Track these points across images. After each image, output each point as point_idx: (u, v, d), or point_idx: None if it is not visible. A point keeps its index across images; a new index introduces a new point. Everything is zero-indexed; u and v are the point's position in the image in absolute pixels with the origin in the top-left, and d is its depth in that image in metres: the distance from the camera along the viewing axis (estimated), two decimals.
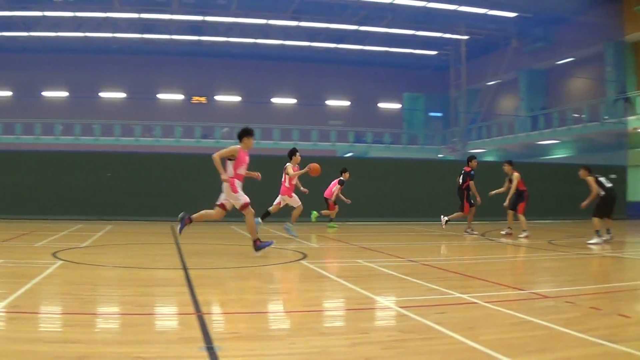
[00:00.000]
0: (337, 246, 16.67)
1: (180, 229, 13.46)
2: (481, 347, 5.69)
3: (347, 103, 60.66)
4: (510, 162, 20.55)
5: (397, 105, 62.26)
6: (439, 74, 57.33)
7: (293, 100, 59.36)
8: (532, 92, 52.45)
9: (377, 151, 53.24)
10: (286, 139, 52.66)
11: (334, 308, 8.26)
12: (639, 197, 35.24)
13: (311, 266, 11.55)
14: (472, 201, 21.03)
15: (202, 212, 13.51)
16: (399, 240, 19.04)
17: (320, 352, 5.60)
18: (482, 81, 53.28)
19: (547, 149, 48.77)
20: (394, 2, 42.22)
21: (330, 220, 23.45)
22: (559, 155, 47.78)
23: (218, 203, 13.34)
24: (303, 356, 5.47)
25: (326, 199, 23.20)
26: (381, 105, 61.98)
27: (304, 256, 13.05)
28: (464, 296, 8.50)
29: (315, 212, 22.82)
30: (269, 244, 13.25)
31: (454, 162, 37.53)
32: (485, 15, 45.05)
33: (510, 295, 8.90)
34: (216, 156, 12.96)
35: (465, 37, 49.20)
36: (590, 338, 6.15)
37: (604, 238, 17.75)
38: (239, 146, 13.27)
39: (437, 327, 6.51)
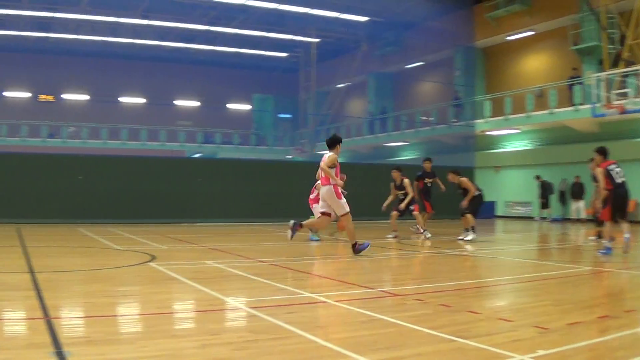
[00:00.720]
0: (185, 248, 16.53)
1: (292, 236, 14.40)
2: (332, 346, 5.75)
3: (196, 103, 60.19)
4: (398, 168, 20.82)
5: (247, 106, 62.19)
6: (289, 75, 57.49)
7: (142, 100, 58.43)
8: (381, 95, 53.36)
9: (226, 152, 53.15)
10: (134, 139, 51.98)
11: (184, 310, 8.18)
12: (487, 198, 36.26)
13: (160, 268, 11.41)
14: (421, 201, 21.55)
15: (311, 220, 15.25)
16: (248, 241, 19.08)
17: (170, 354, 5.54)
18: (332, 83, 53.74)
19: (395, 150, 49.64)
20: (246, 3, 42.05)
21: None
22: (408, 156, 48.71)
23: (322, 211, 14.39)
24: (154, 359, 5.40)
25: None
26: (230, 106, 61.77)
27: (152, 258, 12.89)
28: (314, 295, 8.58)
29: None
30: (367, 245, 14.28)
31: (303, 164, 37.80)
32: (336, 18, 45.39)
33: (360, 293, 9.03)
34: (325, 166, 14.05)
35: (316, 40, 49.47)
36: (441, 334, 6.28)
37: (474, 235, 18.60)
38: (335, 154, 14.29)
39: (287, 326, 6.54)
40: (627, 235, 14.88)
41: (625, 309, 8.09)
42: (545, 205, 35.50)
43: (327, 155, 14.41)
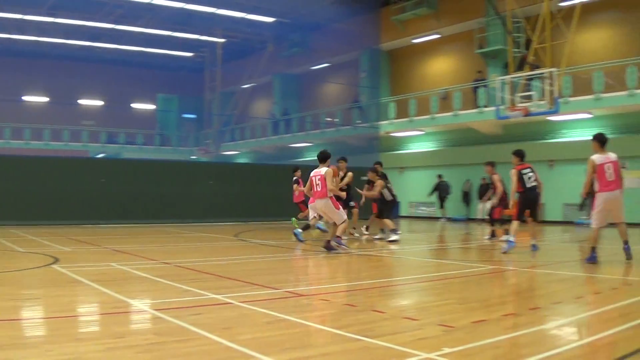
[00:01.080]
0: (89, 249, 16.28)
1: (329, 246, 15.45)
2: (238, 347, 5.73)
3: (100, 103, 59.30)
4: (375, 169, 21.04)
5: (151, 106, 61.53)
6: (194, 75, 57.01)
7: (45, 99, 57.30)
8: (287, 96, 53.40)
9: (130, 152, 52.47)
10: (37, 139, 50.90)
11: (88, 313, 8.02)
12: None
13: (64, 270, 11.19)
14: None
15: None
16: (153, 243, 18.87)
17: (75, 358, 5.43)
18: (238, 84, 53.55)
19: (300, 151, 49.69)
20: (152, 2, 41.55)
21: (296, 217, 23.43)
22: (312, 157, 48.75)
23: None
24: None
25: (297, 204, 23.05)
26: (135, 105, 61.03)
27: (56, 260, 12.66)
28: (219, 297, 8.53)
29: (294, 218, 22.86)
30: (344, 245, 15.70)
31: (207, 164, 37.67)
32: (243, 19, 45.18)
33: (265, 294, 9.00)
34: (331, 185, 15.43)
35: (222, 40, 49.23)
36: (347, 334, 6.31)
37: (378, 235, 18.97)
38: (330, 169, 15.69)
39: (193, 328, 6.50)
40: (533, 242, 15.91)
41: (529, 306, 8.23)
42: (441, 205, 36.06)
43: (325, 170, 15.44)
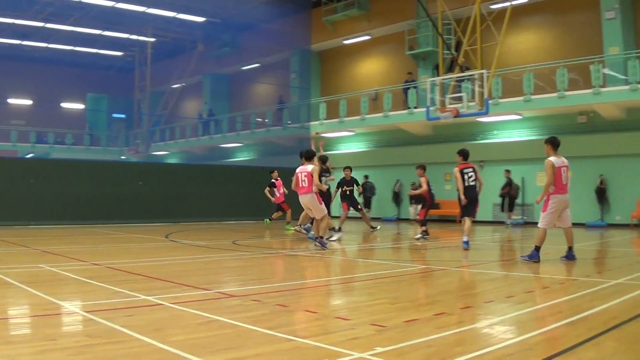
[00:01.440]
0: (18, 251, 16.04)
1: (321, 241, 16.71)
2: (170, 348, 5.67)
3: (29, 102, 58.40)
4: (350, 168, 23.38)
5: (81, 106, 60.76)
6: (124, 75, 56.41)
7: None
8: (217, 96, 53.22)
9: (60, 152, 51.81)
10: None
11: (19, 315, 7.84)
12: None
13: None
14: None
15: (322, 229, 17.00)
16: (82, 244, 18.65)
17: None
18: (168, 84, 53.19)
19: (230, 151, 49.58)
20: (83, 0, 41.10)
21: (287, 223, 24.42)
22: (242, 158, 48.76)
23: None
24: None
25: (279, 205, 24.34)
26: (64, 105, 60.21)
27: None
28: (150, 298, 8.46)
29: (267, 219, 24.39)
30: (326, 244, 16.84)
31: (137, 164, 37.37)
32: (173, 18, 44.88)
33: (197, 295, 8.92)
34: (317, 182, 16.76)
35: (152, 39, 48.84)
36: (279, 334, 6.31)
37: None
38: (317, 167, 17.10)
39: (124, 330, 6.42)
40: (465, 239, 16.42)
41: (460, 306, 8.29)
42: (365, 205, 36.26)
43: (311, 168, 16.68)
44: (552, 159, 13.22)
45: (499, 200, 31.22)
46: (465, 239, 16.41)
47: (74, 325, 7.18)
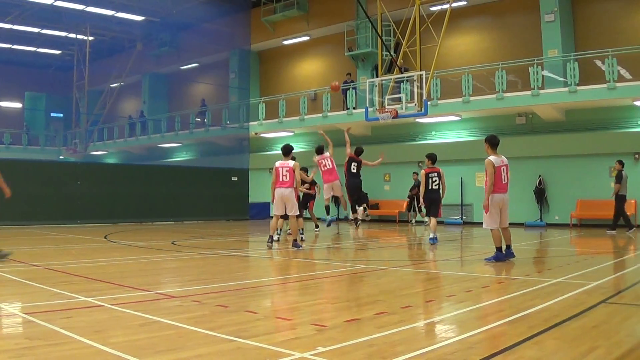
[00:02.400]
0: None
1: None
2: (110, 350, 5.62)
3: None
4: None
5: (19, 105, 59.97)
6: (62, 73, 55.71)
7: None
8: (155, 95, 52.83)
9: None
10: None
11: None
12: (258, 199, 36.82)
13: None
14: None
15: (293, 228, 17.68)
16: (20, 245, 18.35)
17: None
18: (106, 83, 52.69)
19: (169, 151, 49.31)
20: None
21: None
22: (181, 158, 48.55)
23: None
24: None
25: None
26: (2, 104, 59.37)
27: None
28: (90, 299, 8.38)
29: None
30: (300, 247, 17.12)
31: (75, 164, 37.00)
32: (112, 17, 44.47)
33: (136, 296, 8.85)
34: (299, 176, 17.59)
35: (91, 38, 48.35)
36: (220, 335, 6.30)
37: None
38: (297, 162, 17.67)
39: (64, 332, 6.35)
40: (432, 236, 18.53)
41: (401, 305, 8.30)
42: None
43: (293, 163, 17.18)
44: (491, 158, 13.35)
45: (447, 200, 31.51)
46: (432, 235, 18.21)
47: (13, 327, 7.09)
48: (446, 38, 27.86)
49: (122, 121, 53.87)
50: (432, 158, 18.59)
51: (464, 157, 31.65)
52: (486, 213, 13.42)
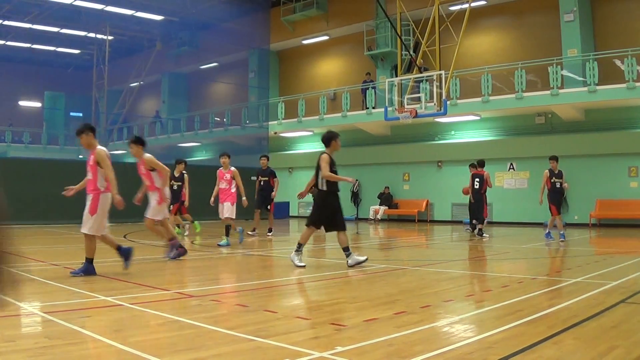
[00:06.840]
0: None
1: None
2: (130, 349, 5.61)
3: None
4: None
5: (38, 104, 60.16)
6: (82, 73, 55.75)
7: None
8: (175, 95, 52.95)
9: (17, 151, 51.32)
10: None
11: None
12: (278, 198, 36.81)
13: None
14: None
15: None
16: (41, 244, 18.48)
17: None
18: (126, 82, 52.80)
19: (189, 151, 49.36)
20: None
21: (192, 222, 23.99)
22: (201, 157, 48.59)
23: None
24: None
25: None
26: (22, 103, 59.57)
27: None
28: (109, 299, 8.38)
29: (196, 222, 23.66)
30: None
31: None
32: (132, 16, 44.55)
33: (156, 295, 8.88)
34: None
35: (110, 38, 48.43)
36: (240, 334, 6.28)
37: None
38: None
39: (84, 331, 6.37)
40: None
41: (420, 305, 8.30)
42: None
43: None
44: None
45: (457, 200, 31.37)
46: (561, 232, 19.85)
47: (33, 326, 7.09)
48: (465, 38, 27.81)
49: (141, 120, 53.97)
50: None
51: (483, 156, 31.39)
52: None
